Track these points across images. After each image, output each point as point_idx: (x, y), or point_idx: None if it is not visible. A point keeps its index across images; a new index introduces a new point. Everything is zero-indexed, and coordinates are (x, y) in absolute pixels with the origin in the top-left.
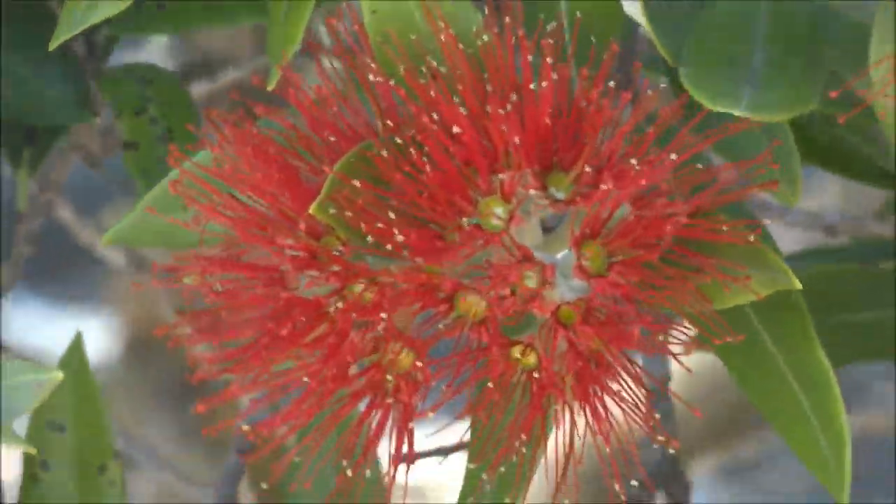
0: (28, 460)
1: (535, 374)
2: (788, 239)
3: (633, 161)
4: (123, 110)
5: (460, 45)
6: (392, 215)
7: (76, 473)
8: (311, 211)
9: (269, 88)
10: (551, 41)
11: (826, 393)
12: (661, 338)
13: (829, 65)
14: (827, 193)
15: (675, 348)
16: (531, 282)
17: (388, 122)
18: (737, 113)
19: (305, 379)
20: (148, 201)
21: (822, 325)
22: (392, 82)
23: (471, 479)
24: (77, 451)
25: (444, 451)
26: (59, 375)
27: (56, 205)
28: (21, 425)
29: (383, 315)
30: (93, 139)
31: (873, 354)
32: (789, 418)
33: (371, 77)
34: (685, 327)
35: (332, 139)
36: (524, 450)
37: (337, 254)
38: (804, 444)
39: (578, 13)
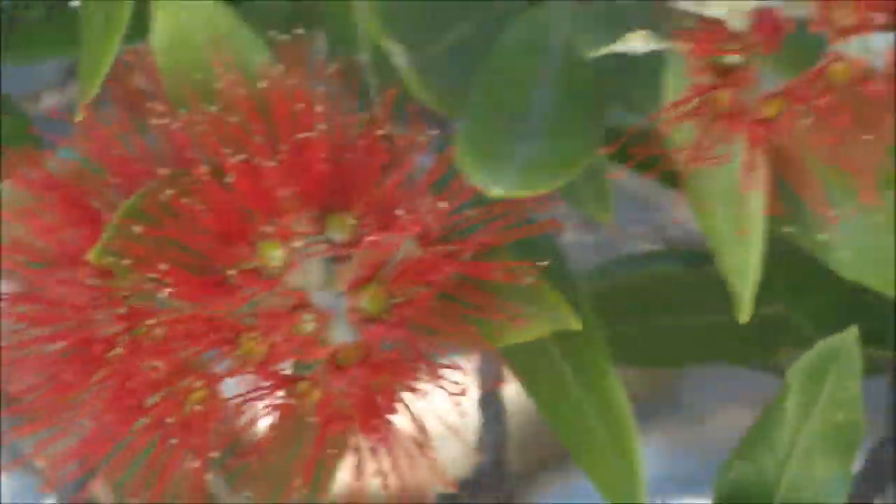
0: None
1: (317, 415)
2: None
3: (399, 211)
4: None
5: (243, 86)
6: (165, 266)
7: None
8: (89, 258)
9: (76, 120)
10: (326, 88)
11: (622, 424)
12: (439, 377)
13: (629, 97)
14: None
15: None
16: (308, 326)
17: (164, 169)
18: (496, 193)
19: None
20: None
21: (648, 327)
22: (175, 126)
23: None
24: None
25: None
26: None
27: None
28: None
29: (158, 364)
30: None
31: (700, 358)
32: (589, 451)
33: (156, 119)
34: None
35: (120, 182)
36: (305, 492)
37: (123, 296)
38: (602, 477)
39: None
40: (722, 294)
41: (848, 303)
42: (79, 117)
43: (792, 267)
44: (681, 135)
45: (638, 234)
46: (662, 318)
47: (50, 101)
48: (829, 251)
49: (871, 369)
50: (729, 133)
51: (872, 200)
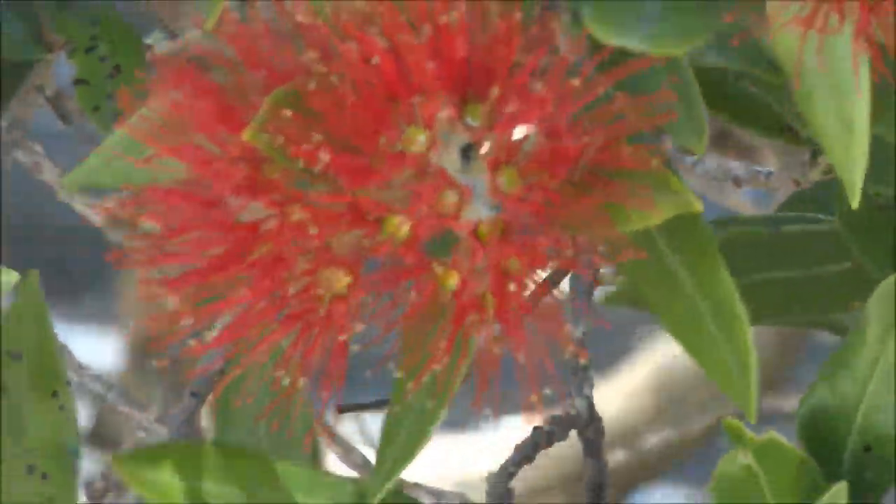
0: None
1: (456, 294)
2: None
3: (538, 85)
4: (76, 49)
5: None
6: (318, 138)
7: (31, 397)
8: (244, 137)
9: (208, 27)
10: None
11: (732, 317)
12: (569, 252)
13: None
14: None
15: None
16: (451, 199)
17: (314, 55)
18: (632, 46)
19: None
20: (106, 145)
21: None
22: (319, 21)
23: (398, 387)
24: (32, 378)
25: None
26: (14, 276)
27: (23, 144)
28: None
29: (313, 231)
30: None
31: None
32: (700, 341)
33: (299, 17)
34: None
35: (266, 76)
36: (446, 360)
37: (274, 179)
38: (713, 365)
39: None
40: (797, 252)
41: None
42: (209, 24)
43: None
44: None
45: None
46: (742, 276)
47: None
48: None
49: None
50: (835, 10)
51: None
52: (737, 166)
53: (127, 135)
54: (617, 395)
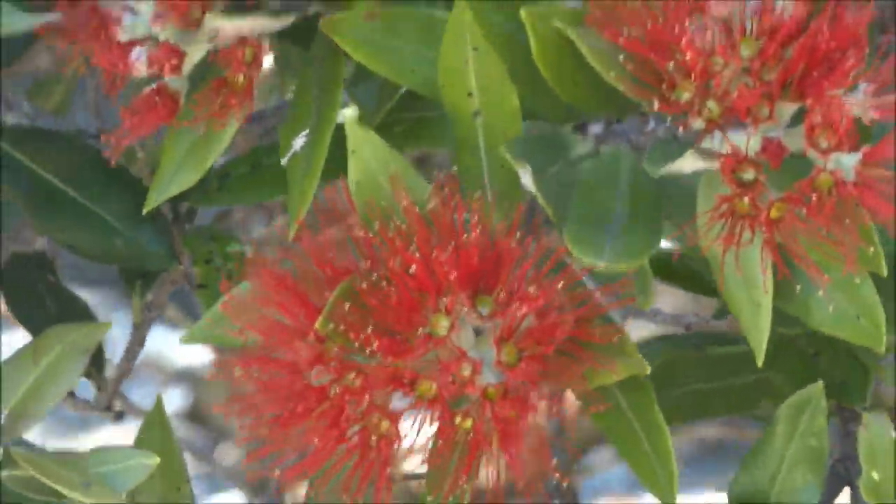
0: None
1: (471, 435)
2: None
3: (532, 288)
4: (197, 260)
5: (416, 209)
6: (370, 329)
7: (161, 490)
8: (316, 326)
9: (290, 238)
10: (477, 205)
11: (662, 441)
12: (554, 408)
13: (668, 217)
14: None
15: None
16: (466, 371)
17: (367, 262)
18: (599, 265)
19: (316, 440)
20: (210, 314)
21: (669, 395)
22: (370, 235)
23: None
24: (161, 476)
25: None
26: (157, 460)
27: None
28: None
29: (366, 396)
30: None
31: (706, 414)
32: (640, 459)
33: (356, 231)
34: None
35: (330, 274)
36: (464, 484)
37: (334, 354)
38: (648, 476)
39: (496, 184)
40: (718, 367)
41: (806, 365)
42: (290, 236)
43: (769, 344)
44: (712, 233)
45: (664, 320)
46: (677, 387)
47: (256, 232)
48: (812, 312)
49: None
50: (747, 228)
51: (853, 271)
52: (687, 315)
53: (222, 312)
54: None
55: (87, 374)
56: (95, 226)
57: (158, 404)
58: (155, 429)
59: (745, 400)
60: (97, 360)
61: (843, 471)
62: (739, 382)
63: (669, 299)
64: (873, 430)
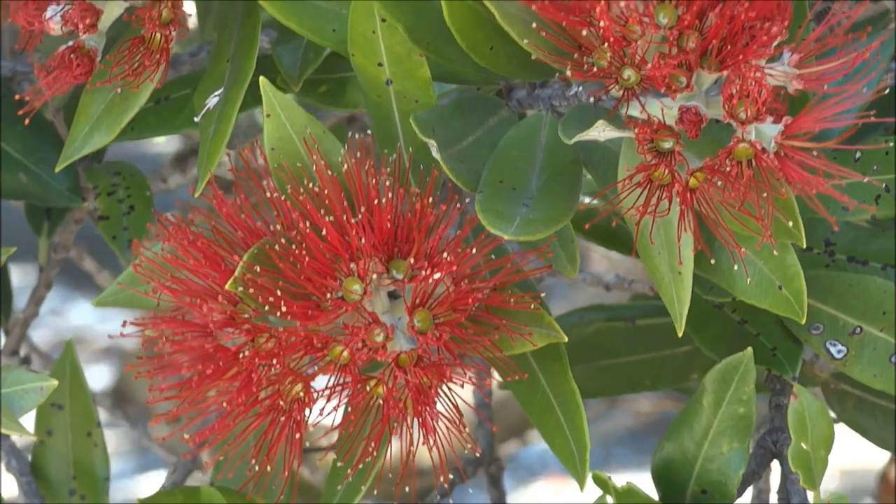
0: (38, 430)
1: (382, 402)
2: (582, 295)
3: (446, 254)
4: (100, 192)
5: (329, 172)
6: (279, 292)
7: (71, 438)
8: (226, 287)
9: (196, 195)
10: (391, 169)
11: (575, 412)
12: (468, 375)
13: (589, 183)
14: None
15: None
16: (378, 337)
17: (280, 225)
18: (506, 237)
19: (224, 404)
20: (121, 279)
21: (599, 366)
22: (283, 197)
23: (337, 473)
24: (71, 422)
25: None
26: (55, 383)
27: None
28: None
29: (277, 359)
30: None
31: (635, 387)
32: (552, 429)
33: (268, 193)
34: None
35: (243, 235)
36: (375, 452)
37: (246, 316)
38: (560, 447)
39: (411, 149)
40: (649, 339)
41: (734, 333)
42: (197, 193)
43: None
44: (631, 200)
45: (587, 281)
46: (606, 359)
47: (173, 181)
48: (736, 281)
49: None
50: (665, 197)
51: (770, 242)
52: (608, 274)
53: (132, 273)
54: None
55: None
56: (1, 161)
57: (69, 347)
58: (66, 372)
59: (675, 372)
60: (3, 304)
61: (772, 444)
62: (670, 354)
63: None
64: (803, 401)
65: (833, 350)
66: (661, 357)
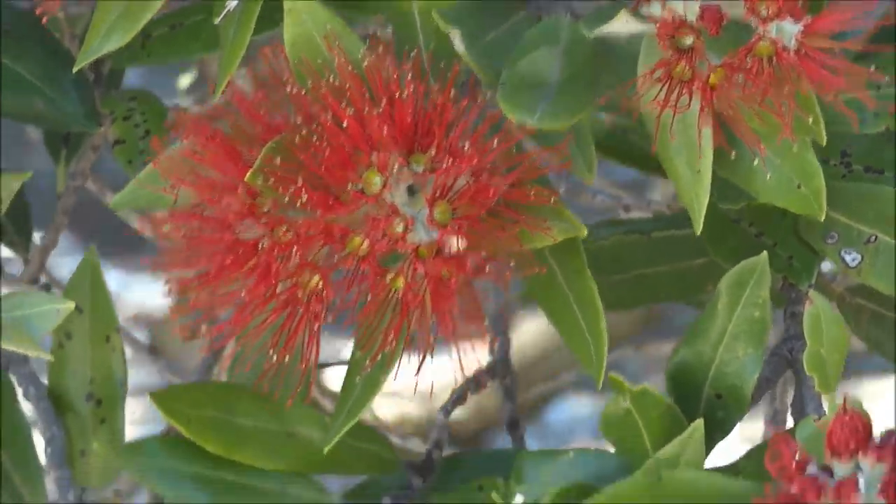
0: (57, 332)
1: (402, 294)
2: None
3: (466, 146)
4: (116, 118)
5: (350, 66)
6: (300, 181)
7: (89, 342)
8: (245, 179)
9: (215, 97)
10: (412, 64)
11: (593, 308)
12: (487, 268)
13: (607, 85)
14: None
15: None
16: (398, 227)
17: (300, 118)
18: (529, 124)
19: (244, 294)
20: (140, 176)
21: (615, 279)
22: (304, 92)
23: (357, 363)
24: (91, 326)
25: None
26: (72, 305)
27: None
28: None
29: (295, 249)
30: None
31: (650, 300)
32: (570, 328)
33: (289, 88)
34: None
35: (262, 131)
36: (394, 344)
37: (266, 209)
38: (578, 344)
39: (432, 45)
40: (665, 252)
41: (750, 244)
42: (216, 96)
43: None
44: (650, 96)
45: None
46: (622, 272)
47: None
48: (755, 180)
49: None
50: (685, 93)
51: (790, 138)
52: (625, 196)
53: (154, 170)
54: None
55: (13, 246)
56: (16, 85)
57: (91, 251)
58: (87, 274)
59: (691, 284)
60: (23, 231)
61: (787, 352)
62: (686, 266)
63: None
64: (818, 306)
65: (848, 258)
66: (678, 270)
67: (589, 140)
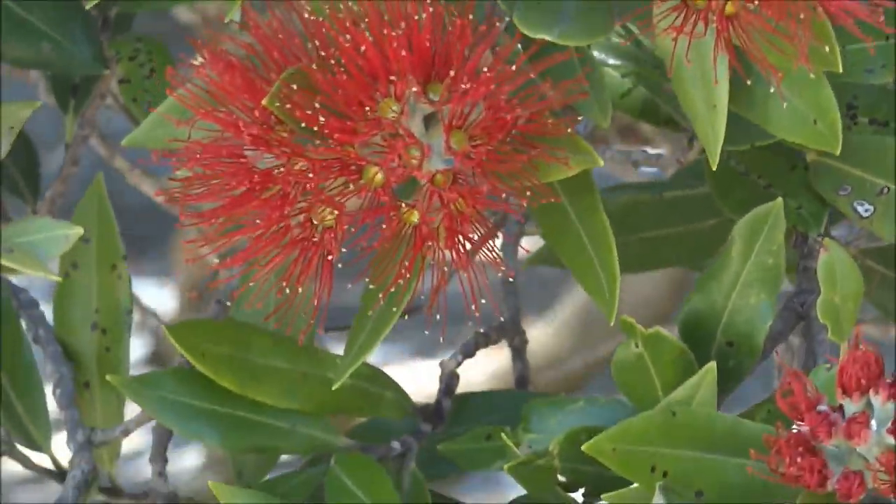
0: (63, 262)
1: (417, 227)
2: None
3: (484, 69)
4: (122, 58)
5: None
6: (317, 105)
7: (97, 270)
8: (263, 102)
9: (227, 20)
10: None
11: (605, 244)
12: (503, 196)
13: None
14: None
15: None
16: (415, 154)
17: (317, 43)
18: (550, 38)
19: (258, 222)
20: (161, 109)
21: (627, 240)
22: (321, 18)
23: (370, 296)
24: (97, 255)
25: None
26: (80, 231)
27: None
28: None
29: (310, 175)
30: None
31: (661, 263)
32: (584, 268)
33: (306, 15)
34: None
35: (279, 58)
36: (408, 276)
37: (283, 137)
38: (591, 283)
39: None
40: (676, 213)
41: (760, 197)
42: (228, 18)
43: (721, 181)
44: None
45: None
46: (633, 233)
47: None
48: (770, 115)
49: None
50: (701, 21)
51: (806, 65)
52: (635, 151)
53: (174, 102)
54: (547, 330)
55: (21, 194)
56: (23, 30)
57: (98, 180)
58: (94, 204)
59: (703, 245)
60: (32, 180)
61: (799, 305)
62: (697, 227)
63: None
64: (833, 254)
65: (860, 209)
66: (689, 231)
67: (603, 84)
